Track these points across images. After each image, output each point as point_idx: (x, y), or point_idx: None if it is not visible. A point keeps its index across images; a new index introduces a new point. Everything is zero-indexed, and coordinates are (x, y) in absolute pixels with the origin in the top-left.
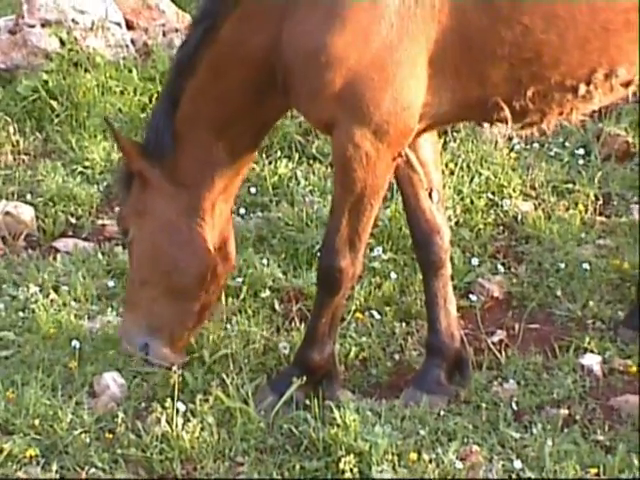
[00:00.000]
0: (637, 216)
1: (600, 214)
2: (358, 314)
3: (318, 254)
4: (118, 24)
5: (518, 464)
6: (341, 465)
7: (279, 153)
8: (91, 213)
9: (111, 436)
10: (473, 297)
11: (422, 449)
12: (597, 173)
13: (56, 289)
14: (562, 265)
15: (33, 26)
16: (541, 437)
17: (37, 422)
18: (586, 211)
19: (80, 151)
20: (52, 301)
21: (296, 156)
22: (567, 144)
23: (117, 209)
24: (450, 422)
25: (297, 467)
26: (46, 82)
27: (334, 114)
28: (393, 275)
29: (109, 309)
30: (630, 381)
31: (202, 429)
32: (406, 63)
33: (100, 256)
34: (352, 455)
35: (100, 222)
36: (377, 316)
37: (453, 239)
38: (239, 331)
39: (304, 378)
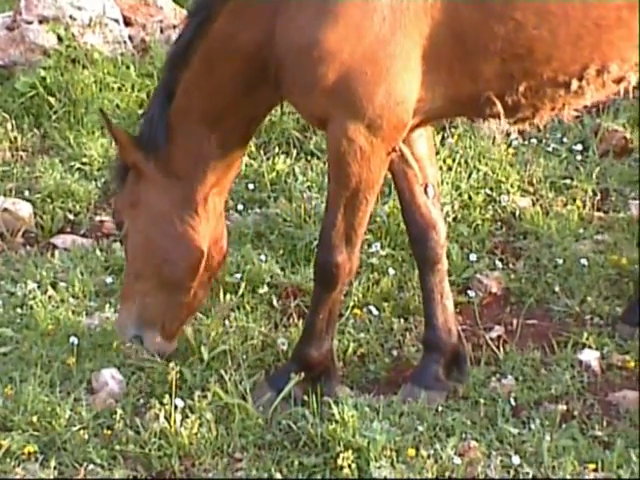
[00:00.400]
0: (635, 212)
1: (598, 210)
2: (356, 310)
3: (316, 250)
4: (116, 20)
5: (516, 460)
6: (339, 461)
7: (277, 149)
8: (89, 209)
9: (109, 432)
10: (471, 293)
11: (420, 445)
12: (595, 169)
13: (54, 285)
14: (560, 261)
15: (31, 22)
16: (539, 433)
17: (35, 418)
18: (584, 207)
19: (78, 147)
20: (50, 297)
21: (294, 152)
22: (565, 140)
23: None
24: (448, 418)
25: (295, 463)
26: (44, 78)
27: (327, 108)
28: (391, 271)
29: (107, 305)
30: (628, 377)
31: (200, 425)
32: (399, 58)
33: (98, 252)
34: (350, 451)
35: (98, 218)
36: (375, 312)
37: (451, 235)
38: (237, 327)
39: (302, 374)
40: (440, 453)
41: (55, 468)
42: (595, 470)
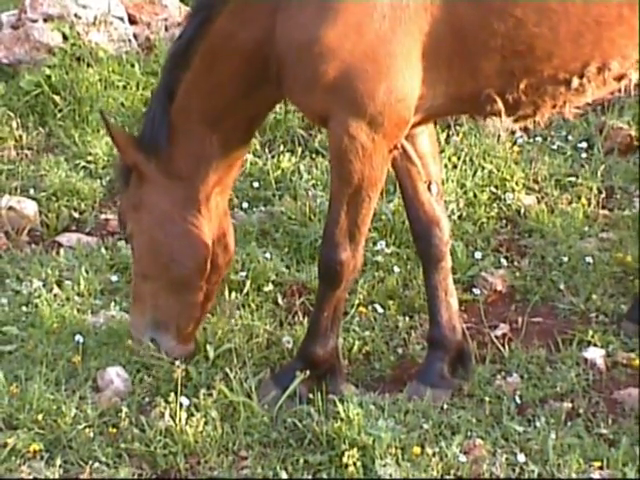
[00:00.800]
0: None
1: (603, 207)
2: (361, 308)
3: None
4: (120, 18)
5: (522, 458)
6: (344, 459)
7: (282, 147)
8: (94, 208)
9: (115, 431)
10: (476, 291)
11: (425, 443)
12: (600, 166)
13: (59, 284)
14: (565, 259)
15: (36, 21)
16: (544, 431)
17: (41, 417)
18: (589, 204)
19: (83, 146)
20: (55, 296)
21: (299, 150)
22: (570, 137)
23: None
24: (453, 416)
25: (301, 461)
26: (49, 77)
27: (329, 106)
28: (396, 269)
29: (112, 303)
30: (633, 374)
31: (206, 423)
32: (400, 55)
33: (103, 251)
34: (355, 449)
35: (103, 217)
36: (380, 310)
37: (456, 233)
38: (242, 325)
39: (307, 372)
40: (445, 451)
41: (60, 466)
42: (600, 468)
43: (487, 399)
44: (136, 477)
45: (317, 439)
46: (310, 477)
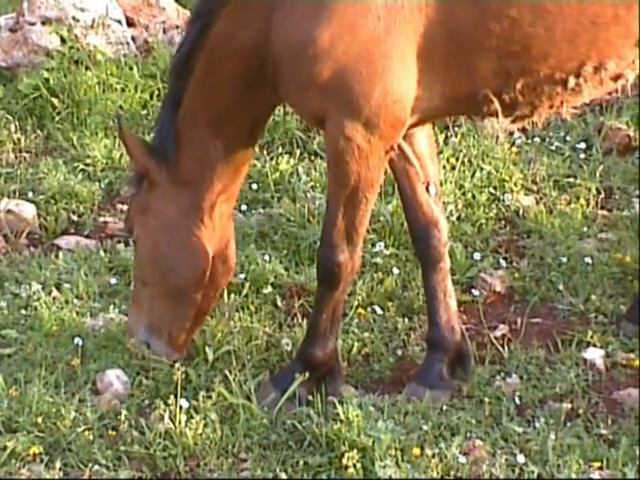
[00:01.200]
0: (639, 210)
1: (602, 208)
2: (360, 310)
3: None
4: (118, 21)
5: (521, 458)
6: (344, 460)
7: (280, 149)
8: (93, 210)
9: (114, 433)
10: (475, 292)
11: (425, 444)
12: (598, 167)
13: (58, 287)
14: (564, 259)
15: (34, 24)
16: (544, 431)
17: (40, 420)
18: (588, 205)
19: (81, 148)
20: (54, 299)
21: (297, 152)
22: (568, 138)
23: (119, 207)
24: (453, 417)
25: (300, 463)
26: (47, 80)
27: (324, 107)
28: (395, 270)
29: (111, 306)
30: (633, 375)
31: (205, 426)
32: (395, 56)
33: (102, 253)
34: (355, 450)
35: (102, 219)
36: (379, 311)
37: (455, 234)
38: (241, 327)
39: (307, 374)
40: (445, 452)
41: (60, 469)
42: (600, 468)
43: (486, 400)
44: (136, 479)
45: (317, 441)
46: (310, 479)
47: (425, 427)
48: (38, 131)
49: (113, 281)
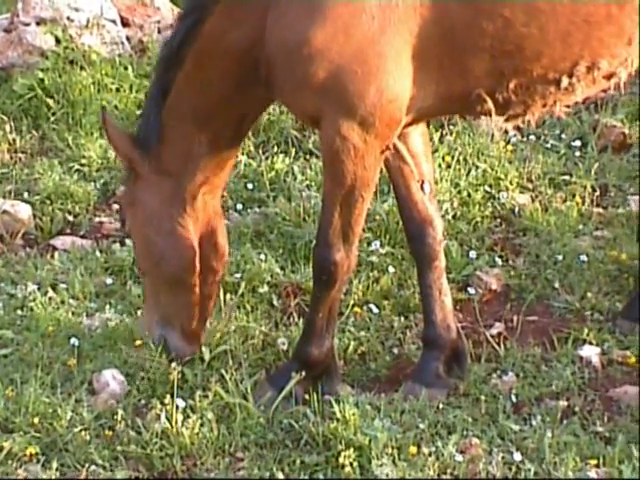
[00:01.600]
0: (634, 207)
1: (597, 205)
2: (356, 308)
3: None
4: (113, 21)
5: (518, 456)
6: (341, 459)
7: (276, 148)
8: (88, 211)
9: (111, 433)
10: (471, 290)
11: (422, 442)
12: (594, 165)
13: (54, 287)
14: (560, 257)
15: (28, 24)
16: (540, 429)
17: (37, 420)
18: (583, 203)
19: (77, 149)
20: (50, 299)
21: (293, 151)
22: (563, 136)
23: (115, 207)
24: (449, 415)
25: (297, 462)
26: (42, 80)
27: (319, 107)
28: (391, 269)
29: (107, 306)
30: (629, 372)
31: (202, 425)
32: (389, 56)
33: (98, 253)
34: (352, 449)
35: (97, 220)
36: (375, 310)
37: (450, 232)
38: (238, 327)
39: (303, 373)
40: (441, 450)
41: (57, 469)
42: (597, 466)
43: (483, 398)
44: (133, 479)
45: (313, 440)
46: (307, 478)
47: (422, 425)
48: (33, 131)
49: (109, 281)
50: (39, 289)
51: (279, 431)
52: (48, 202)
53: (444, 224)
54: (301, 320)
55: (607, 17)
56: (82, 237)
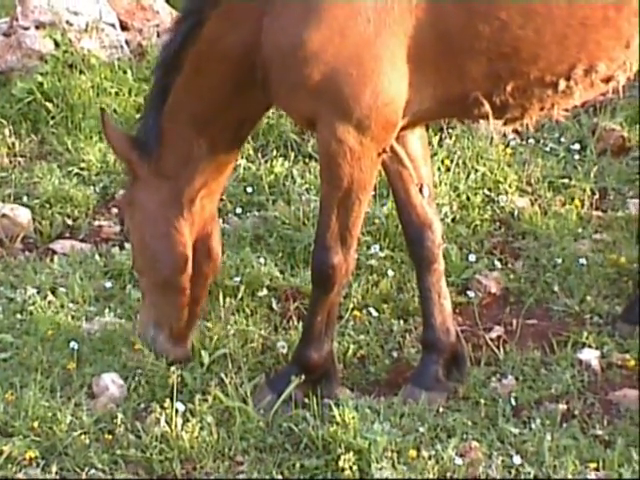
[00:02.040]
0: (633, 210)
1: (596, 209)
2: (356, 312)
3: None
4: (112, 25)
5: (517, 459)
6: (340, 463)
7: (275, 152)
8: (88, 214)
9: (110, 437)
10: (470, 293)
11: (421, 446)
12: (593, 168)
13: (54, 291)
14: (559, 260)
15: (27, 28)
16: (540, 432)
17: (36, 424)
18: (582, 206)
19: (76, 152)
20: (50, 303)
21: (292, 155)
22: (563, 139)
23: (114, 211)
24: (449, 418)
25: (297, 465)
26: (41, 84)
27: (315, 109)
28: (390, 272)
29: (107, 310)
30: (628, 375)
31: (201, 429)
32: (385, 58)
33: (97, 257)
34: (351, 453)
35: (97, 223)
36: (375, 314)
37: (450, 236)
38: (237, 330)
39: (302, 377)
40: (441, 454)
41: (56, 473)
42: (596, 469)
43: (482, 401)
44: None
45: (313, 443)
46: None
47: (421, 429)
48: (32, 135)
49: (108, 285)
50: (38, 293)
51: (279, 435)
52: (47, 206)
53: (443, 227)
54: (300, 324)
55: (604, 20)
56: (81, 241)
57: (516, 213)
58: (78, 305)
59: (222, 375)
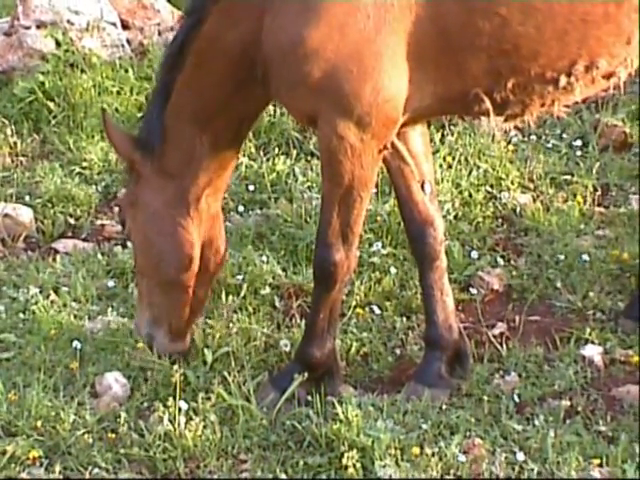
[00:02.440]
0: (636, 206)
1: (599, 205)
2: (358, 309)
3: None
4: (113, 24)
5: (521, 456)
6: (344, 460)
7: (277, 150)
8: (90, 213)
9: (114, 436)
10: (473, 290)
11: (425, 443)
12: (595, 164)
13: (56, 290)
14: (561, 257)
15: (28, 28)
16: (543, 429)
17: (39, 423)
18: (585, 202)
19: (78, 152)
20: (52, 302)
21: (294, 153)
22: (565, 136)
23: (116, 209)
24: (452, 415)
25: (300, 463)
26: (42, 83)
27: (316, 107)
28: (393, 270)
29: (109, 309)
30: (631, 371)
31: (205, 427)
32: (385, 55)
33: (99, 256)
34: (355, 450)
35: (99, 222)
36: (377, 311)
37: (452, 233)
38: (240, 329)
39: (305, 374)
40: (444, 451)
41: (60, 472)
42: (600, 465)
43: (485, 398)
44: None
45: (316, 441)
46: (310, 479)
47: (424, 426)
48: (34, 135)
49: (111, 284)
50: (41, 292)
51: (282, 433)
52: (49, 205)
53: (445, 224)
54: (303, 321)
55: (604, 16)
56: (84, 240)
57: (518, 210)
58: (81, 304)
59: (225, 373)
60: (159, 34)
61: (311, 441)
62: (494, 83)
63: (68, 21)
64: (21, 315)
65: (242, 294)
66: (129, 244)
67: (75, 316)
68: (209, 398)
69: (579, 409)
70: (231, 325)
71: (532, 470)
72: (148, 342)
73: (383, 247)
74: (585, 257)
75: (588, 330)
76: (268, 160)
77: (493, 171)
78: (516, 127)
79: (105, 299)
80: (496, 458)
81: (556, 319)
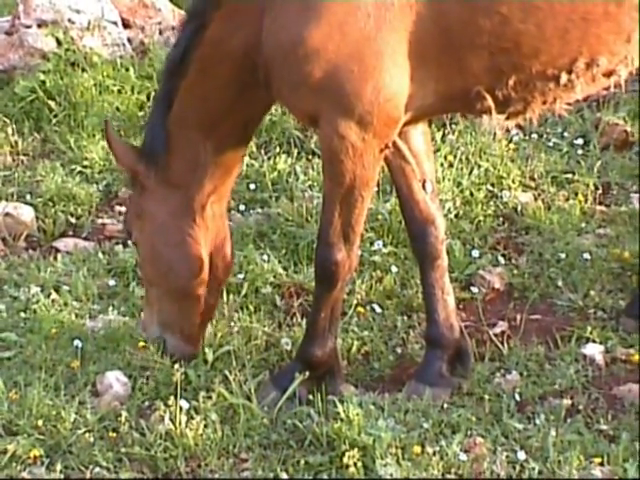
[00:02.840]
0: (637, 205)
1: (600, 203)
2: (359, 308)
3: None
4: (114, 23)
5: (522, 455)
6: (345, 459)
7: (278, 149)
8: (91, 212)
9: (115, 435)
10: (474, 289)
11: (426, 442)
12: (596, 163)
13: (57, 289)
14: (563, 255)
15: (29, 26)
16: (544, 428)
17: (40, 422)
18: (586, 201)
19: (79, 151)
20: (53, 301)
21: (295, 152)
22: (566, 134)
23: (117, 208)
24: (453, 414)
25: (301, 462)
26: (43, 82)
27: (317, 106)
28: (394, 269)
29: (110, 308)
30: (632, 370)
31: (206, 426)
32: (386, 54)
33: (101, 255)
34: (356, 449)
35: (100, 221)
36: (378, 310)
37: (453, 231)
38: (241, 327)
39: (306, 373)
40: (446, 450)
41: (61, 472)
42: (601, 464)
43: (487, 397)
44: None
45: (317, 440)
46: (311, 478)
47: (425, 425)
48: (35, 134)
49: (112, 283)
50: (42, 291)
51: (283, 432)
52: (50, 204)
53: (446, 223)
54: (304, 320)
55: (605, 14)
56: (85, 239)
57: (519, 208)
58: (82, 303)
59: (226, 372)
60: (160, 33)
61: (312, 440)
62: (496, 81)
63: (69, 20)
64: (22, 314)
65: (243, 293)
66: (130, 243)
67: (76, 315)
68: (210, 397)
69: (580, 408)
70: (232, 324)
71: (533, 469)
72: (158, 345)
73: (384, 246)
74: (586, 256)
75: (589, 329)
76: (269, 159)
77: (494, 170)
78: (517, 125)
79: (106, 298)
80: (497, 457)
81: (557, 318)
